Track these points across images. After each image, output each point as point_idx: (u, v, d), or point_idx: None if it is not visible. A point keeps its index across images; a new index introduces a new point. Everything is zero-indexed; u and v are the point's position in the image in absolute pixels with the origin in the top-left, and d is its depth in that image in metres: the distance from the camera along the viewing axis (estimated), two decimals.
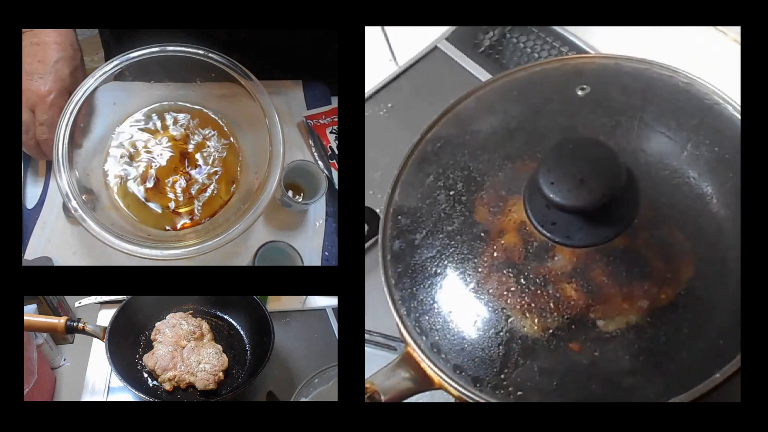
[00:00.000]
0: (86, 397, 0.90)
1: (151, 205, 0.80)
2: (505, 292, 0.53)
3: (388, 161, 0.84)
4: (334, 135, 0.90)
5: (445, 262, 0.56)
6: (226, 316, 0.98)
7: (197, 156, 0.83)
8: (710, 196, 0.53)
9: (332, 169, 0.87)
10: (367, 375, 0.56)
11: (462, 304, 0.54)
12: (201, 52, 0.80)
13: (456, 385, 0.53)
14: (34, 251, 0.80)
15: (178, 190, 0.81)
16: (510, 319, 0.52)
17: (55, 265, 0.79)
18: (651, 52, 0.62)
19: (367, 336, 0.75)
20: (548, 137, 0.58)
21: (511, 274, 0.53)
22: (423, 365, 0.55)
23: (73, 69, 0.79)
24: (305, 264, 0.82)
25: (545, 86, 0.62)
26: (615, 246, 0.51)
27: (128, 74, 0.80)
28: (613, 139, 0.56)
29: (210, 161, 0.83)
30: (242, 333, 0.96)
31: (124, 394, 0.87)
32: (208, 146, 0.84)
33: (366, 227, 0.80)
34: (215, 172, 0.83)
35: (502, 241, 0.55)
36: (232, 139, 0.85)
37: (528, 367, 0.51)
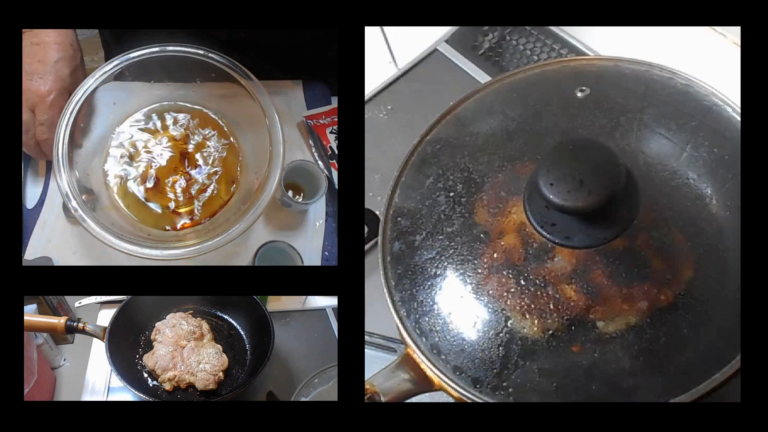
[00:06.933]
0: (86, 397, 0.90)
1: (151, 205, 0.80)
2: (505, 294, 0.53)
3: (387, 163, 0.84)
4: (334, 135, 0.89)
5: (445, 263, 0.56)
6: (226, 316, 0.98)
7: (197, 156, 0.83)
8: (710, 197, 0.53)
9: (332, 169, 0.87)
10: (366, 377, 0.56)
11: (462, 306, 0.54)
12: (201, 52, 0.80)
13: (456, 387, 0.53)
14: (34, 251, 0.80)
15: (178, 190, 0.81)
16: (510, 321, 0.52)
17: (55, 265, 0.79)
18: (650, 55, 0.62)
19: (366, 338, 0.75)
20: (548, 139, 0.58)
21: (510, 276, 0.53)
22: (423, 366, 0.55)
23: (73, 69, 0.79)
24: (305, 264, 0.82)
25: (545, 88, 0.63)
26: (615, 247, 0.51)
27: (128, 74, 0.80)
28: (613, 141, 0.56)
29: (210, 161, 0.83)
30: (242, 333, 0.96)
31: (124, 394, 0.87)
32: (208, 146, 0.84)
33: (366, 229, 0.80)
34: (215, 172, 0.83)
35: (502, 243, 0.55)
36: (232, 139, 0.85)
37: (528, 368, 0.51)
